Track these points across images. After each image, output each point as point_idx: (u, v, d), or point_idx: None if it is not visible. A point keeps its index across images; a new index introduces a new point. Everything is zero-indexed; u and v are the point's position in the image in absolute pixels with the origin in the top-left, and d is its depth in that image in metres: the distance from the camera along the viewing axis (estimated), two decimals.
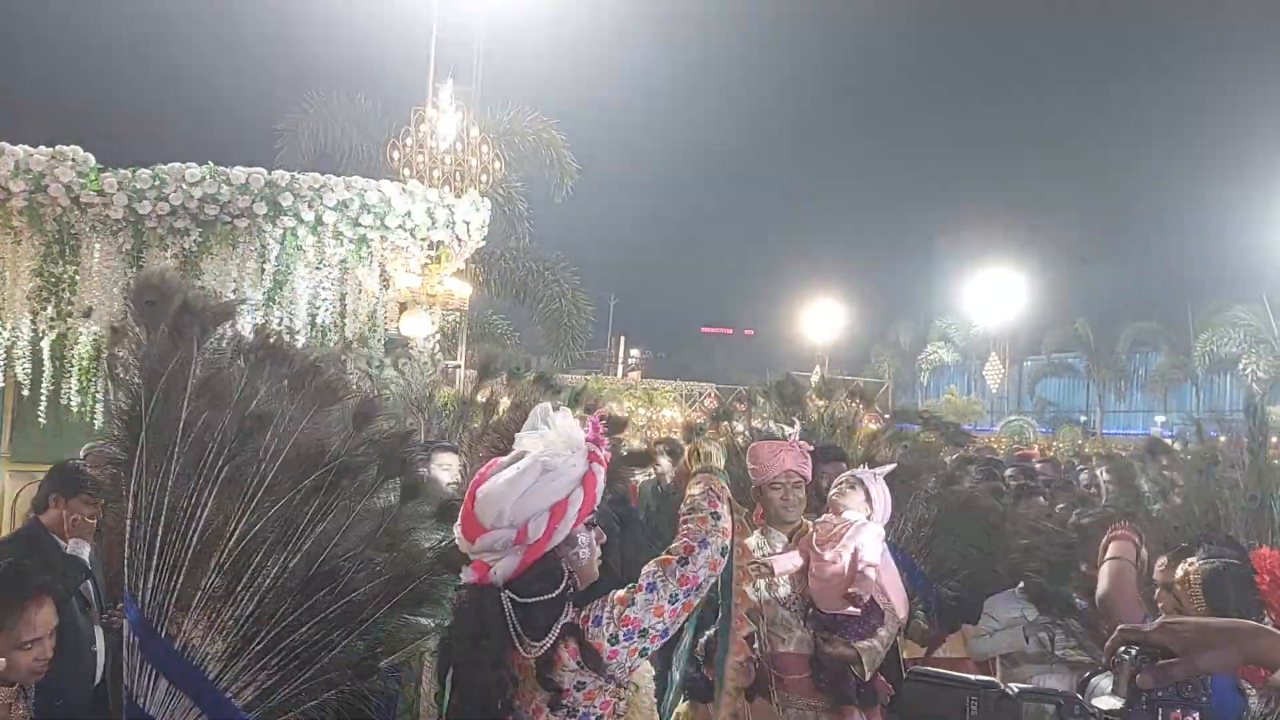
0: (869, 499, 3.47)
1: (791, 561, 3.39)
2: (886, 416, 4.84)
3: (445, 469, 4.01)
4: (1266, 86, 42.51)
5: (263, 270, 7.34)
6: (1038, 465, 8.37)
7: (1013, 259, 35.46)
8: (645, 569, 2.02)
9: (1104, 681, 2.18)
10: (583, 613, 1.99)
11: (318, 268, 7.47)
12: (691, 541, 2.04)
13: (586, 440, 2.09)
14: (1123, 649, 1.28)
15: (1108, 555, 2.90)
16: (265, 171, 7.33)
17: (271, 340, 2.43)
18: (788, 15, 60.02)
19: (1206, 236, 40.73)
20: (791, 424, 3.72)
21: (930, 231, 51.81)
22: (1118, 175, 54.62)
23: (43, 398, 6.97)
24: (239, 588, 2.11)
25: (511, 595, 1.95)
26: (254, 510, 2.13)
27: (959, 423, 5.04)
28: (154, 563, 2.11)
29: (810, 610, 3.37)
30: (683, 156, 58.82)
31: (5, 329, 6.98)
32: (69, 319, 7.03)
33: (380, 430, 2.37)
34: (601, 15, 27.96)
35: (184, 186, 7.04)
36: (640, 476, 6.34)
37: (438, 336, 8.28)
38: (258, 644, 2.10)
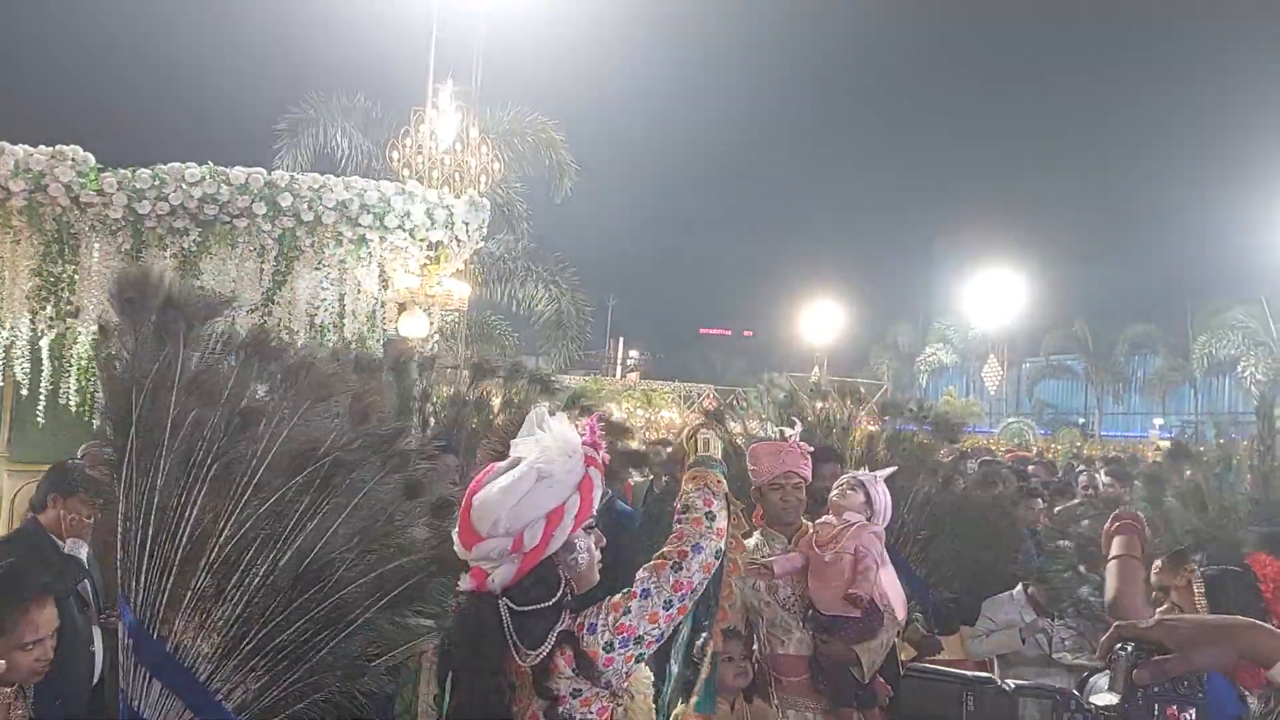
0: (869, 501, 3.47)
1: (791, 563, 3.39)
2: (885, 418, 4.82)
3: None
4: (1266, 87, 42.58)
5: (262, 270, 7.36)
6: (1030, 468, 8.37)
7: (1011, 260, 35.51)
8: (639, 574, 2.01)
9: (1102, 680, 2.18)
10: (578, 620, 1.98)
11: (317, 268, 7.47)
12: (685, 546, 2.03)
13: (584, 444, 2.08)
14: (1119, 645, 1.29)
15: (1113, 553, 2.84)
16: (265, 171, 7.34)
17: (262, 336, 2.40)
18: (787, 15, 60.08)
19: (1205, 238, 40.83)
20: (792, 424, 3.71)
21: (929, 232, 51.88)
22: (1117, 176, 54.73)
23: (41, 397, 6.98)
24: (229, 587, 2.10)
25: (509, 603, 1.95)
26: (244, 508, 2.12)
27: (949, 414, 5.01)
28: (145, 563, 2.10)
29: (810, 612, 3.36)
30: (682, 157, 58.84)
31: (4, 328, 6.98)
32: (68, 319, 7.03)
33: (376, 425, 2.36)
34: (601, 15, 27.97)
35: (184, 186, 7.05)
36: (637, 477, 6.34)
37: (436, 337, 8.28)
38: (248, 644, 2.10)
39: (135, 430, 2.12)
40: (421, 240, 7.82)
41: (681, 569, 1.99)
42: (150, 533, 2.10)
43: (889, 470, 3.68)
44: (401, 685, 2.83)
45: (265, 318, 7.14)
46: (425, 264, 8.01)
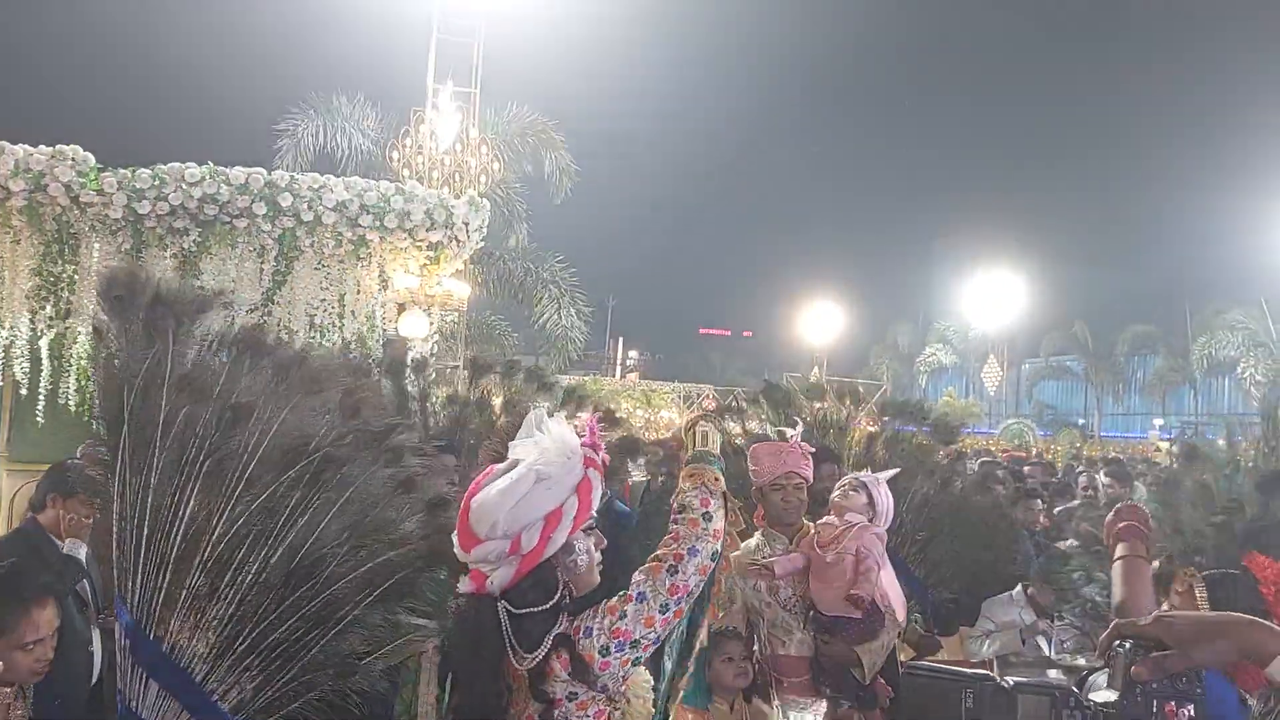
0: (872, 502, 3.46)
1: (793, 563, 3.39)
2: (885, 419, 4.81)
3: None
4: (1265, 88, 42.65)
5: (261, 270, 7.36)
6: (1026, 469, 8.38)
7: (1011, 261, 35.50)
8: (635, 578, 2.00)
9: (1100, 678, 2.17)
10: (575, 623, 1.97)
11: (317, 268, 7.48)
12: (681, 549, 2.02)
13: (583, 445, 2.07)
14: (1118, 642, 1.29)
15: (1118, 554, 2.81)
16: (265, 171, 7.34)
17: (254, 331, 2.39)
18: (787, 15, 60.12)
19: (1205, 239, 40.86)
20: (792, 424, 3.71)
21: (929, 233, 51.83)
22: (1116, 177, 54.79)
23: (41, 397, 6.98)
24: (223, 585, 2.09)
25: (507, 605, 1.94)
26: (236, 504, 2.11)
27: (947, 415, 5.01)
28: (141, 563, 2.10)
29: (811, 612, 3.36)
30: (681, 157, 58.86)
31: (4, 328, 6.98)
32: (67, 318, 7.04)
33: (369, 420, 2.36)
34: (601, 15, 27.98)
35: (184, 186, 7.05)
36: (635, 477, 6.33)
37: (436, 337, 8.28)
38: (241, 643, 2.09)
39: (128, 429, 2.11)
40: (421, 240, 7.82)
41: (677, 572, 1.99)
42: (146, 532, 2.10)
43: (891, 472, 3.67)
44: (401, 686, 2.83)
45: (265, 318, 7.14)
46: (425, 264, 8.01)
